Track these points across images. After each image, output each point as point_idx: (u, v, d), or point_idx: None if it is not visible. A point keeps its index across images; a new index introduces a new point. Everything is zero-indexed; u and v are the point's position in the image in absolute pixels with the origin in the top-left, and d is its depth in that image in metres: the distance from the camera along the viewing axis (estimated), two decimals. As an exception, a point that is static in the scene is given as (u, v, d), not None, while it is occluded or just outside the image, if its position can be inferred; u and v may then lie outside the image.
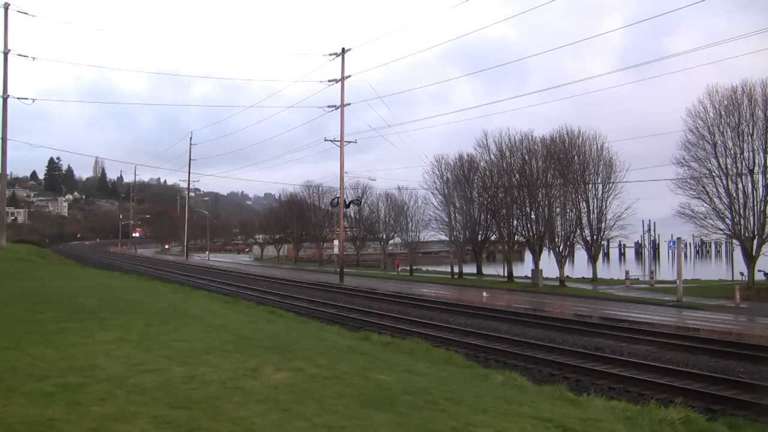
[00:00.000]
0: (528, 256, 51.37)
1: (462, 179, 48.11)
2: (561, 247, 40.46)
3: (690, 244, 79.81)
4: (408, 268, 51.80)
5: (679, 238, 30.18)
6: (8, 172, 70.47)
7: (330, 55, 40.25)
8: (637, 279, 41.95)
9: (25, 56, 36.11)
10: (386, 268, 61.31)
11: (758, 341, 17.11)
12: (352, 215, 69.82)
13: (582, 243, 43.44)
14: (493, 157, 45.77)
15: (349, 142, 41.85)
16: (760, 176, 31.69)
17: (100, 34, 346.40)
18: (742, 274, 36.19)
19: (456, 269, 47.72)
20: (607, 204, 42.26)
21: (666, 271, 53.75)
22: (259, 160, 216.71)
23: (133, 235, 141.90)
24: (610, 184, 42.04)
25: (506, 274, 43.43)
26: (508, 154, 44.28)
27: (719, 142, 32.60)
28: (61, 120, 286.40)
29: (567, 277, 39.65)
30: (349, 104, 40.33)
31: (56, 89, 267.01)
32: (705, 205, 33.18)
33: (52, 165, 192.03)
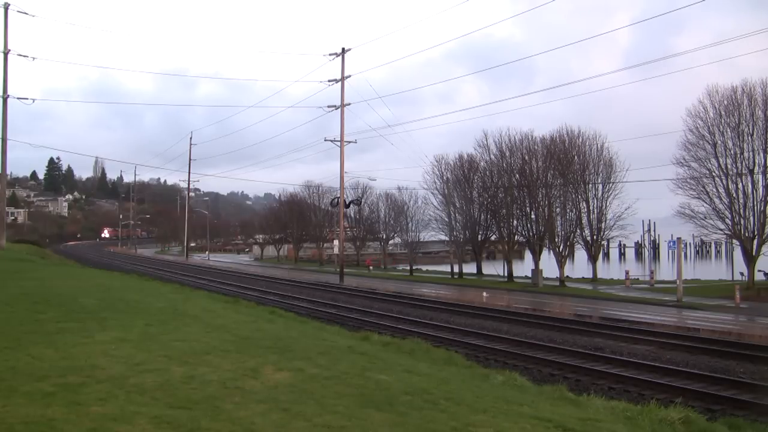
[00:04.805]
0: (528, 255, 51.40)
1: (462, 179, 48.13)
2: (561, 247, 40.47)
3: (690, 244, 79.81)
4: (382, 267, 52.38)
5: (679, 238, 30.18)
6: (8, 172, 70.55)
7: (330, 55, 40.24)
8: (637, 279, 41.94)
9: (25, 56, 36.11)
10: (386, 268, 61.46)
11: (758, 341, 17.12)
12: (352, 215, 69.81)
13: (582, 243, 43.46)
14: (493, 157, 45.88)
15: (349, 142, 41.88)
16: (760, 176, 31.71)
17: (106, 34, 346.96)
18: (742, 274, 36.19)
19: (456, 269, 47.72)
20: (607, 204, 42.37)
21: (666, 271, 53.73)
22: (261, 160, 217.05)
23: (102, 235, 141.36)
24: (610, 184, 42.13)
25: (506, 274, 43.43)
26: (508, 154, 44.35)
27: (719, 142, 32.62)
28: (65, 120, 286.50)
29: (567, 277, 39.67)
30: (349, 104, 40.36)
31: (61, 89, 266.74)
32: (705, 205, 33.25)
33: (52, 165, 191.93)
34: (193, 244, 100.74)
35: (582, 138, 41.98)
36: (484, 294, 29.92)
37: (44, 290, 14.67)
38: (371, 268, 59.28)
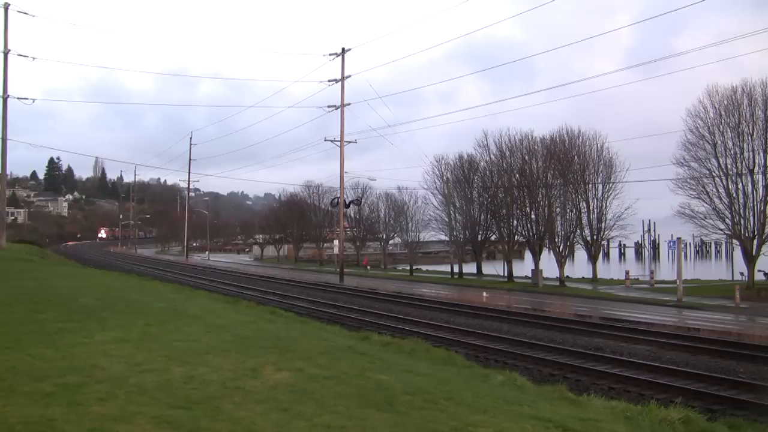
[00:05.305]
0: (528, 255, 51.39)
1: (462, 179, 48.13)
2: (561, 247, 40.46)
3: (690, 244, 79.75)
4: (375, 266, 52.70)
5: (679, 238, 30.19)
6: (8, 172, 70.45)
7: (330, 55, 40.23)
8: (637, 279, 41.90)
9: (24, 56, 36.21)
10: (386, 267, 61.46)
11: (758, 341, 17.11)
12: (352, 215, 69.76)
13: (582, 243, 43.44)
14: (493, 157, 45.89)
15: (349, 142, 41.89)
16: (760, 176, 31.71)
17: (107, 34, 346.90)
18: (742, 274, 36.16)
19: (456, 269, 47.71)
20: (607, 204, 42.33)
21: (666, 271, 53.71)
22: (261, 160, 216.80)
23: (99, 235, 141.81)
24: (610, 184, 42.10)
25: (506, 274, 43.42)
26: (508, 154, 44.36)
27: (719, 142, 32.62)
28: (66, 120, 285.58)
29: (567, 277, 39.66)
30: (350, 104, 40.36)
31: (63, 89, 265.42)
32: (705, 205, 33.24)
33: (52, 165, 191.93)
34: (193, 245, 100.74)
35: (582, 138, 42.03)
36: (484, 294, 29.92)
37: (44, 290, 14.68)
38: (368, 267, 59.51)
